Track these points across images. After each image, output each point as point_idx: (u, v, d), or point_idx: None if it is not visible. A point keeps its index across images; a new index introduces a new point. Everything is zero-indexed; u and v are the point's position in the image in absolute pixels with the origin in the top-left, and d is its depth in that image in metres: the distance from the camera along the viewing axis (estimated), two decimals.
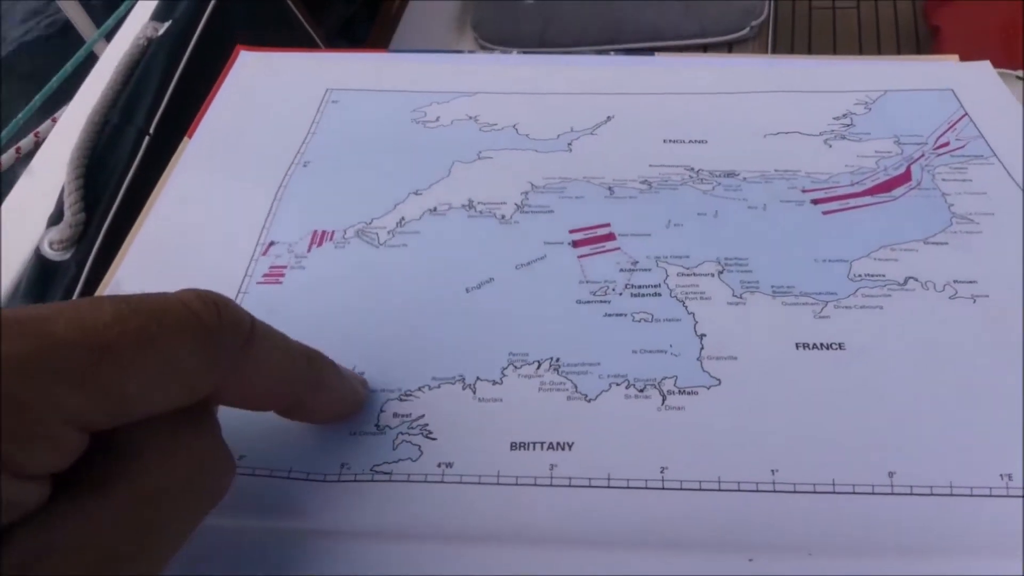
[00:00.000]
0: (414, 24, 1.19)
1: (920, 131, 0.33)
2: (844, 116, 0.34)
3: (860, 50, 1.65)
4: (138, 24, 0.63)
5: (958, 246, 0.28)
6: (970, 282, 0.27)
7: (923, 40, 1.63)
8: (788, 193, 0.31)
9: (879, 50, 1.64)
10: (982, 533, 0.21)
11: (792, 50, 1.67)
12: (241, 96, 0.37)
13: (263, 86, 0.38)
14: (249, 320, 0.18)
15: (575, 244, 0.29)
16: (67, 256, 0.48)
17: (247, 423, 0.24)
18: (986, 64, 0.36)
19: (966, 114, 0.33)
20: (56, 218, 0.49)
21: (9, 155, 0.64)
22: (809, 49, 1.67)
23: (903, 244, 0.28)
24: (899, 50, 1.63)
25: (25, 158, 0.68)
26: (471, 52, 0.40)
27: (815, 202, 0.30)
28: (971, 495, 0.22)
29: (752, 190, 0.31)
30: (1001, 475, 0.22)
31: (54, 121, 0.81)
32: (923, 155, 0.32)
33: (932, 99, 0.35)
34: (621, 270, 0.28)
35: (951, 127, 0.33)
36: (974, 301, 0.27)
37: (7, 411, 0.13)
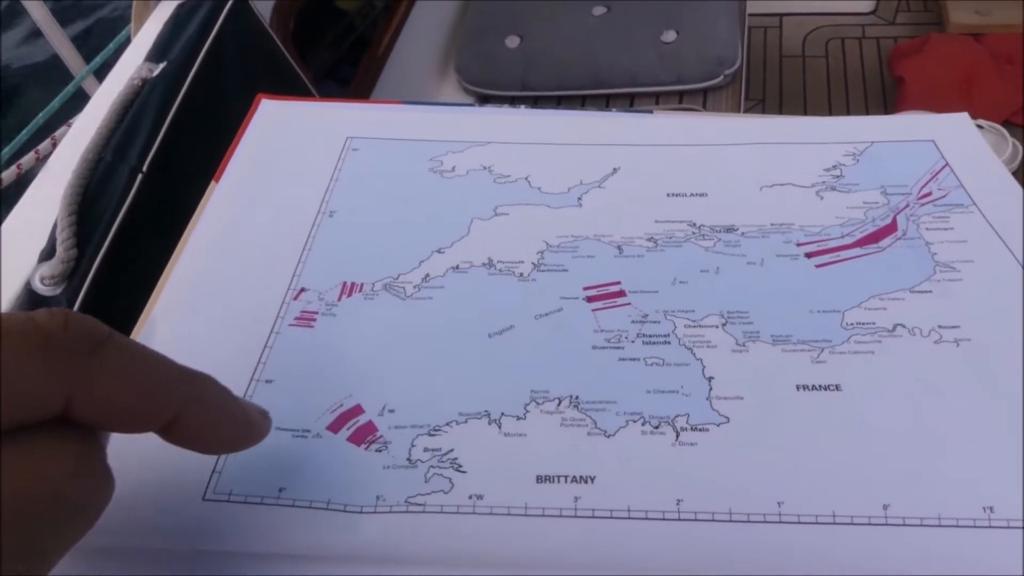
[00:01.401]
0: (399, 67, 1.21)
1: (905, 181, 0.35)
2: (834, 167, 0.36)
3: (829, 97, 1.71)
4: (133, 64, 0.63)
5: (941, 294, 0.30)
6: (953, 327, 0.29)
7: (888, 90, 1.70)
8: (783, 248, 0.32)
9: (847, 98, 1.70)
10: (967, 563, 0.23)
11: (764, 97, 1.72)
12: (264, 143, 0.38)
13: (285, 133, 0.39)
14: (105, 331, 0.17)
15: (589, 300, 0.31)
16: (58, 292, 0.48)
17: (285, 457, 0.25)
18: (964, 116, 0.38)
19: (947, 164, 0.35)
20: (48, 253, 0.49)
21: None
22: (780, 96, 1.72)
23: (891, 294, 0.30)
24: (866, 98, 1.69)
25: (9, 191, 0.67)
26: (482, 105, 0.42)
27: (809, 255, 0.32)
28: (957, 526, 0.23)
29: (750, 245, 0.33)
30: (984, 508, 0.24)
31: (37, 153, 0.80)
32: (908, 205, 0.34)
33: (915, 150, 0.36)
34: (633, 321, 0.30)
35: (933, 177, 0.35)
36: (957, 344, 0.28)
37: None
